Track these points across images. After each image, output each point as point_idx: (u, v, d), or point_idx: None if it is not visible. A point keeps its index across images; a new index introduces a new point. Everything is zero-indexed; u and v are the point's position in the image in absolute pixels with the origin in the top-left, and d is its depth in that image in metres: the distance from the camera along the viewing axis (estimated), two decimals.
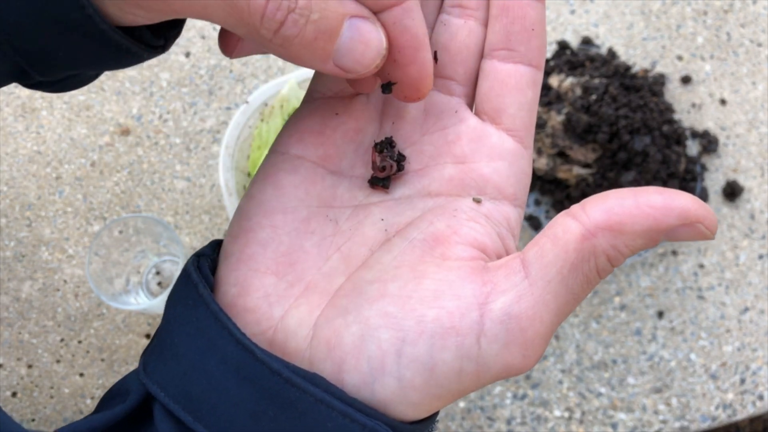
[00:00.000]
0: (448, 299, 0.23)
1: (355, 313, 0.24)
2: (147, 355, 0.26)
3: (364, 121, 0.28)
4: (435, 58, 0.28)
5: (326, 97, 0.28)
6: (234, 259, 0.26)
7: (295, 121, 0.28)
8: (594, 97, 0.60)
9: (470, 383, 0.23)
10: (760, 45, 0.71)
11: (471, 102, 0.29)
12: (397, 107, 0.28)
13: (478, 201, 0.27)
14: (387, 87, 0.27)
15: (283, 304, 0.25)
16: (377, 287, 0.25)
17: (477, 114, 0.28)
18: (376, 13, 0.24)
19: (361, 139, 0.28)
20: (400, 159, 0.28)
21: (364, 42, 0.23)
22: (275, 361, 0.23)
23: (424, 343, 0.23)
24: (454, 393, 0.23)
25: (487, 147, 0.27)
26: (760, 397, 0.61)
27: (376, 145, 0.28)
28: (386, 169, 0.27)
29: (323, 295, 0.26)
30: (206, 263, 0.27)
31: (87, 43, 0.23)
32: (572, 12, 0.71)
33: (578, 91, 0.61)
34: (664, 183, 0.61)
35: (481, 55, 0.28)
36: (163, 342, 0.26)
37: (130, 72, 0.66)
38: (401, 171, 0.28)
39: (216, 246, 0.28)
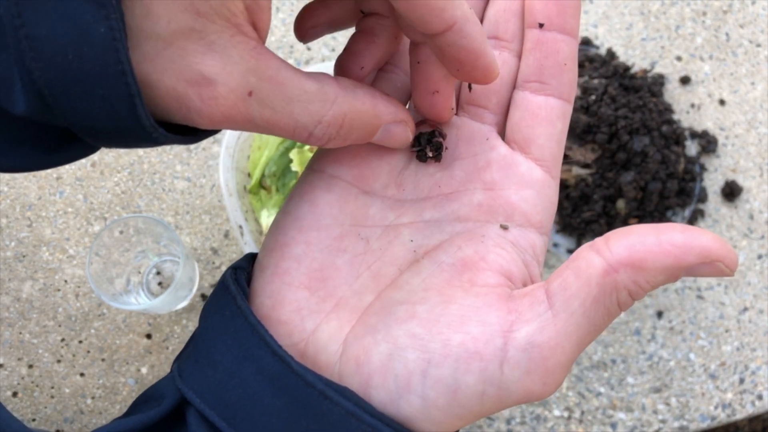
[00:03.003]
0: (473, 325, 0.24)
1: (384, 332, 0.25)
2: (182, 360, 0.27)
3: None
4: (469, 87, 0.29)
5: None
6: (269, 272, 0.27)
7: None
8: (593, 97, 0.60)
9: (492, 406, 0.24)
10: (759, 45, 0.71)
11: (501, 130, 0.30)
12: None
13: (505, 228, 0.28)
14: (422, 155, 0.29)
15: (314, 318, 0.26)
16: (406, 308, 0.26)
17: (507, 143, 0.29)
18: (431, 37, 0.25)
19: (395, 162, 0.29)
20: (439, 145, 0.29)
21: (392, 139, 0.27)
22: (310, 374, 0.24)
23: (448, 366, 0.24)
24: (476, 414, 0.24)
25: (516, 175, 0.28)
26: (759, 397, 0.61)
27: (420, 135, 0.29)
28: (422, 142, 0.29)
29: (353, 311, 0.27)
30: (243, 275, 0.28)
31: (123, 139, 0.23)
32: None
33: (577, 92, 0.61)
34: (663, 183, 0.61)
35: (514, 86, 0.29)
36: (199, 350, 0.27)
37: None
38: (440, 150, 0.29)
39: (251, 259, 0.29)
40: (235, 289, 0.26)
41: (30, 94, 0.21)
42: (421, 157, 0.29)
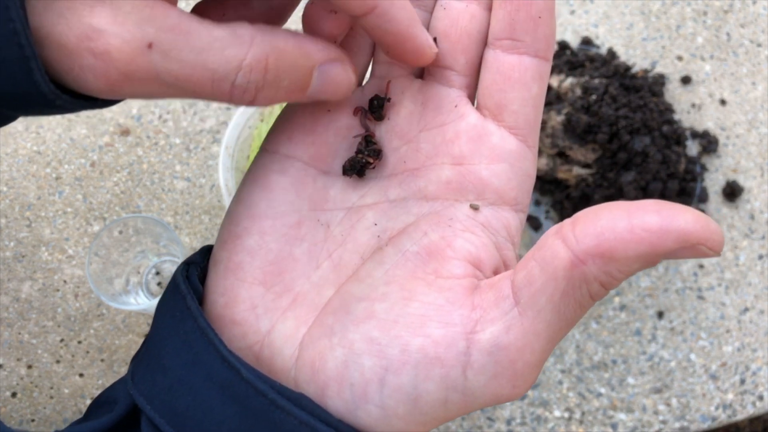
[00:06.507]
0: (434, 326, 0.22)
1: (341, 335, 0.23)
2: (135, 363, 0.26)
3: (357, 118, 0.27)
4: (434, 42, 0.26)
5: None
6: (222, 267, 0.26)
7: (286, 117, 0.27)
8: (594, 97, 0.60)
9: (457, 411, 0.23)
10: (759, 45, 0.71)
11: (472, 93, 0.27)
12: (393, 101, 0.27)
13: (475, 208, 0.25)
14: (379, 109, 0.26)
15: (270, 316, 0.25)
16: (364, 307, 0.24)
17: (478, 108, 0.26)
18: (358, 17, 0.23)
19: (356, 137, 0.27)
20: (372, 153, 0.27)
21: (333, 83, 0.24)
22: (261, 381, 0.23)
23: (407, 374, 0.22)
24: (440, 419, 0.23)
25: (488, 148, 0.26)
26: (760, 398, 0.61)
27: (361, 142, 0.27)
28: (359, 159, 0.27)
29: (311, 308, 0.25)
30: (195, 272, 0.26)
31: (28, 105, 0.21)
32: (572, 12, 0.71)
33: (578, 92, 0.61)
34: (664, 183, 0.61)
35: (484, 43, 0.26)
36: (151, 353, 0.25)
37: None
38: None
39: (206, 252, 0.27)
40: (185, 288, 0.25)
41: None
42: (377, 115, 0.27)
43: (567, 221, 0.21)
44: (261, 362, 0.25)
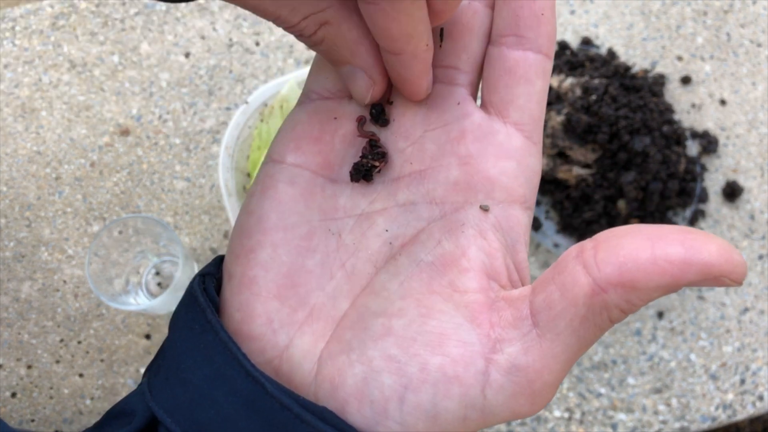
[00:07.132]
0: (453, 345, 0.23)
1: (359, 351, 0.24)
2: (152, 375, 0.26)
3: None
4: (441, 40, 0.27)
5: (323, 97, 0.27)
6: (236, 281, 0.26)
7: (291, 126, 0.27)
8: (594, 97, 0.60)
9: (476, 426, 0.23)
10: (759, 45, 0.71)
11: (474, 91, 0.27)
12: (398, 104, 0.27)
13: (485, 209, 0.25)
14: (379, 116, 0.27)
15: (287, 331, 0.25)
16: (382, 322, 0.24)
17: (483, 105, 0.26)
18: (384, 50, 0.25)
19: (362, 143, 0.27)
20: (377, 157, 0.27)
21: (351, 84, 0.26)
22: (285, 395, 0.23)
23: (426, 392, 0.22)
24: None
25: (494, 146, 0.26)
26: (760, 398, 0.61)
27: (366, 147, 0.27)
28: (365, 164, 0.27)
29: (328, 322, 0.25)
30: (212, 283, 0.26)
31: None
32: (572, 12, 0.71)
33: (578, 92, 0.61)
34: (664, 183, 0.61)
35: (487, 40, 0.26)
36: (169, 365, 0.25)
37: (130, 72, 0.66)
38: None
39: (219, 262, 0.27)
40: (204, 301, 0.25)
41: None
42: (380, 120, 0.27)
43: (588, 244, 0.21)
44: (280, 377, 0.25)
